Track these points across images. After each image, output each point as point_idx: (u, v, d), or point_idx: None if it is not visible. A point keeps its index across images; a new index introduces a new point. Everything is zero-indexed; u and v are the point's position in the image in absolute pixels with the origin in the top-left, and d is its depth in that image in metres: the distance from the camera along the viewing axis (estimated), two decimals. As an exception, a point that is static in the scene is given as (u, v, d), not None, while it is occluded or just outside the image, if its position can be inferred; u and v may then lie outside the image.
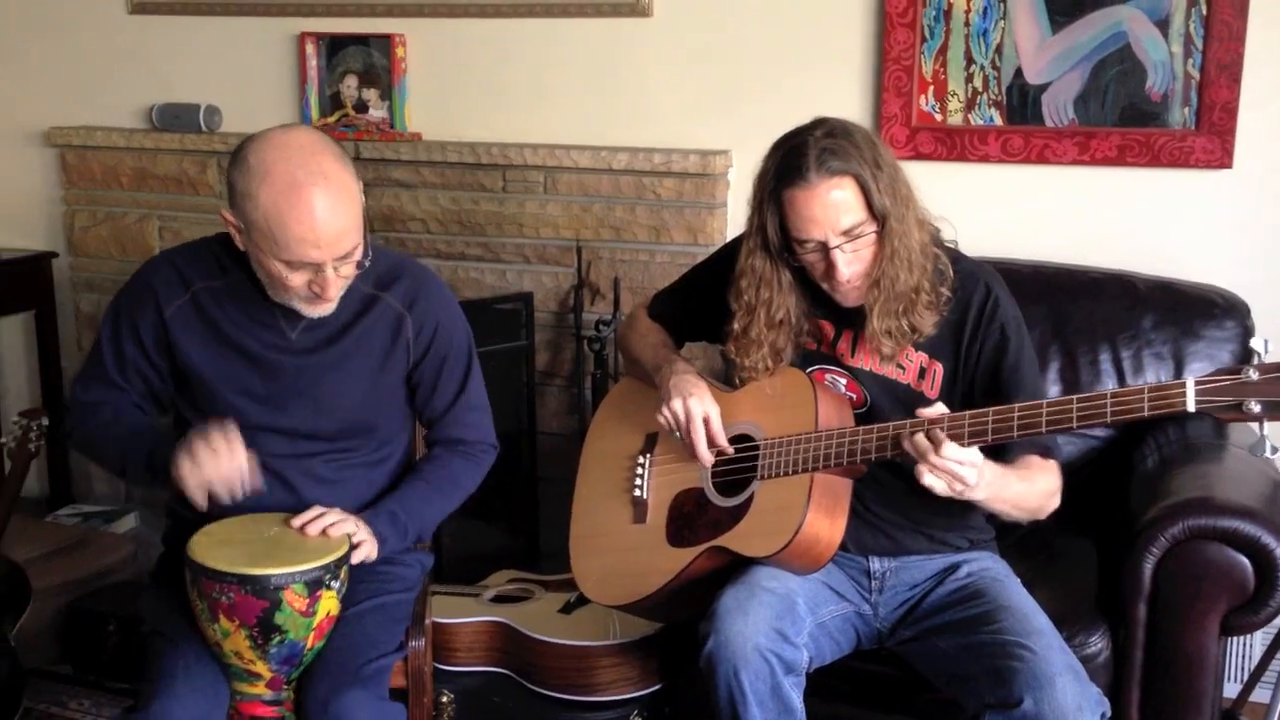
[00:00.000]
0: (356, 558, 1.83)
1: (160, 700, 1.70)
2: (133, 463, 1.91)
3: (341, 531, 1.82)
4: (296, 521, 1.81)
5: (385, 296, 1.96)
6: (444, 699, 2.45)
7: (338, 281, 1.81)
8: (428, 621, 2.07)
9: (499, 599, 2.60)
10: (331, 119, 3.33)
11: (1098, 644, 2.06)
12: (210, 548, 1.73)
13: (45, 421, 3.25)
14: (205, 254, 1.96)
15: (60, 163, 3.60)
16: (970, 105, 2.83)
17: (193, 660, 1.76)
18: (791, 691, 1.85)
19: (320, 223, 1.73)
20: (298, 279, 1.79)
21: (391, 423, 2.02)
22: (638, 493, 2.11)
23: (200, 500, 1.78)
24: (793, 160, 1.85)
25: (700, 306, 2.15)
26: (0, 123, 3.69)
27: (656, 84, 3.07)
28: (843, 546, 1.93)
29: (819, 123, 1.90)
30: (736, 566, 1.96)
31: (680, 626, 2.32)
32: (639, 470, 2.13)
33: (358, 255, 1.82)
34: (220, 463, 1.76)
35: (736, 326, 1.99)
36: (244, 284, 1.91)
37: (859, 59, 2.90)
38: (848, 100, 2.90)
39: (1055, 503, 1.93)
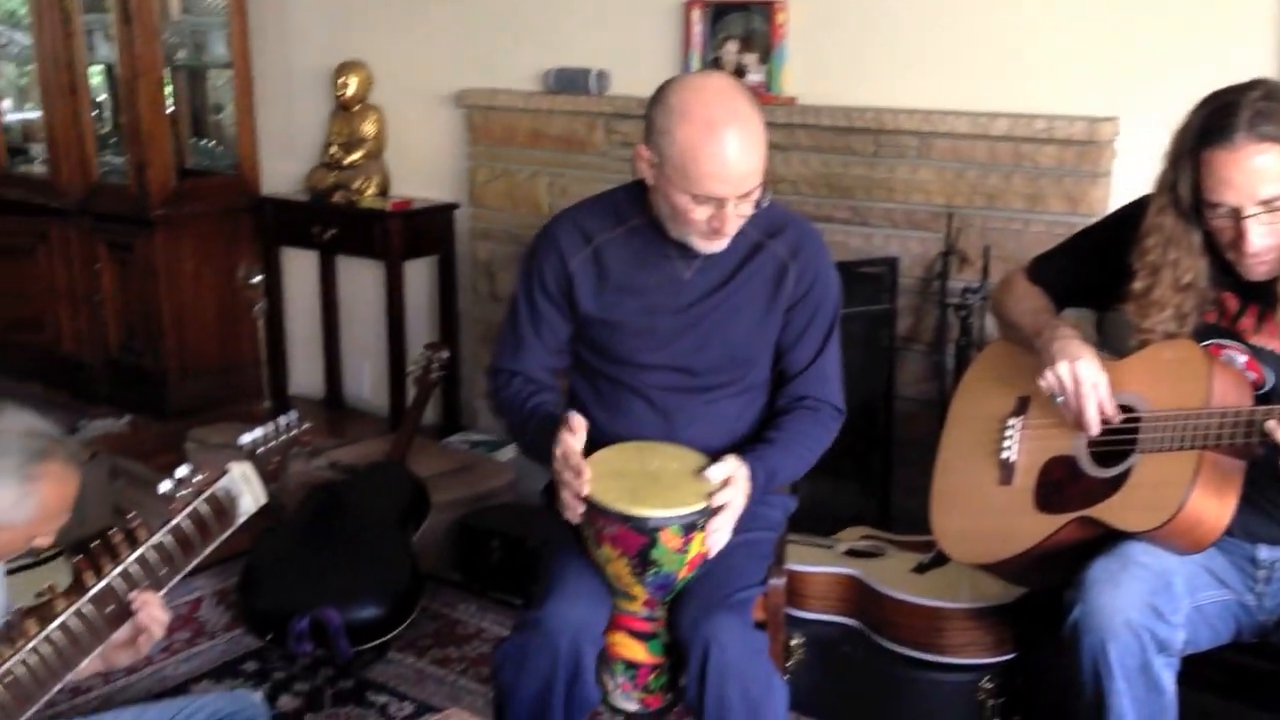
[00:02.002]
0: (725, 513, 1.90)
1: (552, 601, 1.89)
2: (522, 445, 2.12)
3: (737, 507, 1.90)
4: (708, 473, 1.90)
5: (771, 244, 2.06)
6: (794, 642, 2.55)
7: (735, 219, 1.92)
8: (785, 565, 2.17)
9: (851, 553, 2.66)
10: (712, 83, 3.46)
11: None
12: (599, 480, 1.87)
13: (446, 354, 3.63)
14: (604, 207, 2.12)
15: (467, 122, 3.96)
16: (1405, 69, 2.57)
17: (581, 570, 1.94)
18: (1162, 671, 1.79)
19: (731, 160, 1.85)
20: (700, 213, 1.91)
21: (765, 364, 2.12)
22: (1006, 454, 2.10)
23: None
24: (1220, 119, 1.77)
25: (1087, 270, 2.10)
26: (419, 86, 4.10)
27: (1041, 46, 2.98)
28: (1228, 531, 1.84)
29: (1257, 83, 1.80)
30: (1106, 540, 1.92)
31: (1039, 599, 2.29)
32: (1008, 432, 2.11)
33: (756, 195, 1.92)
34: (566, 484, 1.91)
35: (1138, 286, 1.93)
36: (642, 229, 2.06)
37: (1270, 19, 2.69)
38: (1256, 65, 2.67)
39: None
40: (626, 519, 1.82)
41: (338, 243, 4.15)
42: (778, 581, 2.13)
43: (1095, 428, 1.94)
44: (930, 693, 2.40)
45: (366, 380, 4.45)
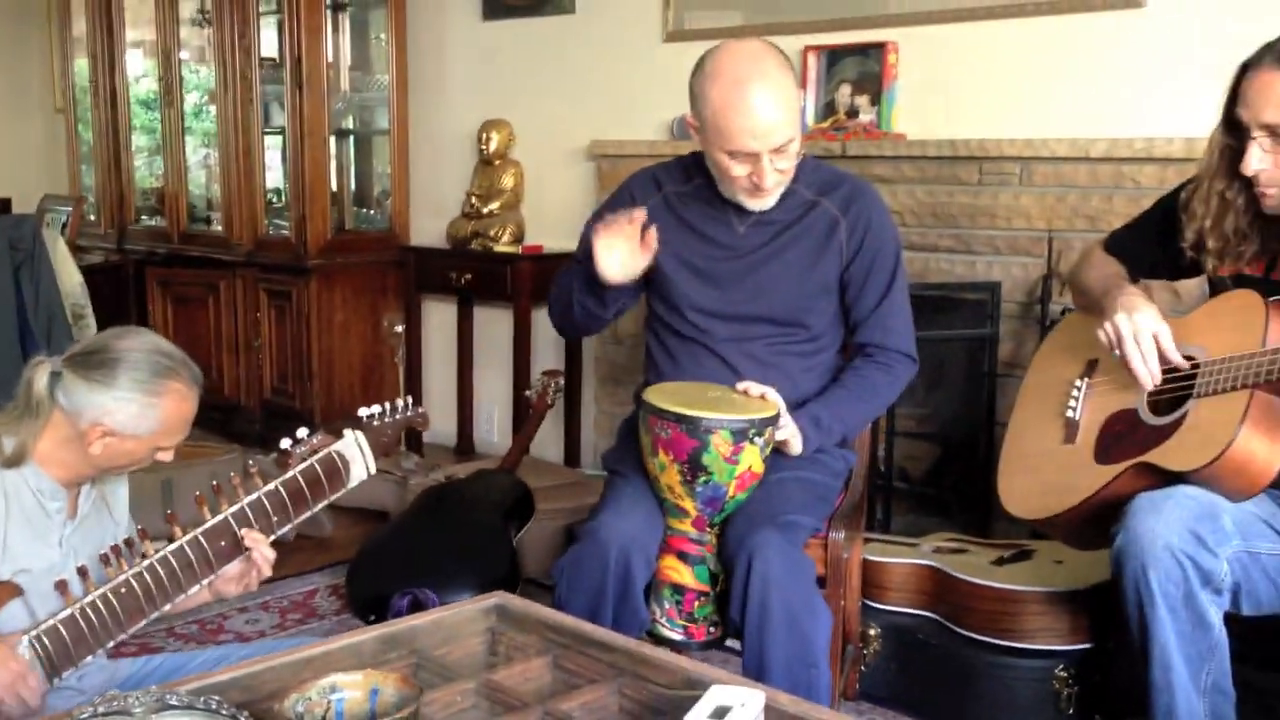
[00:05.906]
0: (780, 440, 2.00)
1: (608, 514, 1.99)
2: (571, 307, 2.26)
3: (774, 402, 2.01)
4: (740, 385, 2.03)
5: (824, 202, 2.16)
6: (871, 632, 2.54)
7: (773, 174, 2.03)
8: (861, 536, 2.19)
9: (935, 550, 2.65)
10: (825, 124, 3.60)
11: None
12: (660, 394, 2.00)
13: (561, 380, 3.78)
14: (676, 166, 2.29)
15: (596, 172, 4.19)
16: None
17: (639, 492, 2.04)
18: (1208, 606, 1.74)
19: (758, 114, 1.98)
20: (739, 170, 2.04)
21: (823, 318, 2.19)
22: (1070, 414, 2.10)
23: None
24: (1262, 51, 1.85)
25: (1159, 238, 2.10)
26: (556, 140, 4.36)
27: (1144, 75, 3.02)
28: (1284, 483, 1.81)
29: None
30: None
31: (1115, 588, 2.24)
32: (1074, 393, 2.12)
33: (792, 150, 2.03)
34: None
35: (1189, 234, 1.99)
36: (705, 188, 2.20)
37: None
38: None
39: None
40: (681, 419, 1.91)
41: (472, 287, 4.39)
42: (838, 535, 2.15)
43: (1147, 379, 1.92)
44: (1005, 678, 2.35)
45: (495, 424, 4.63)
